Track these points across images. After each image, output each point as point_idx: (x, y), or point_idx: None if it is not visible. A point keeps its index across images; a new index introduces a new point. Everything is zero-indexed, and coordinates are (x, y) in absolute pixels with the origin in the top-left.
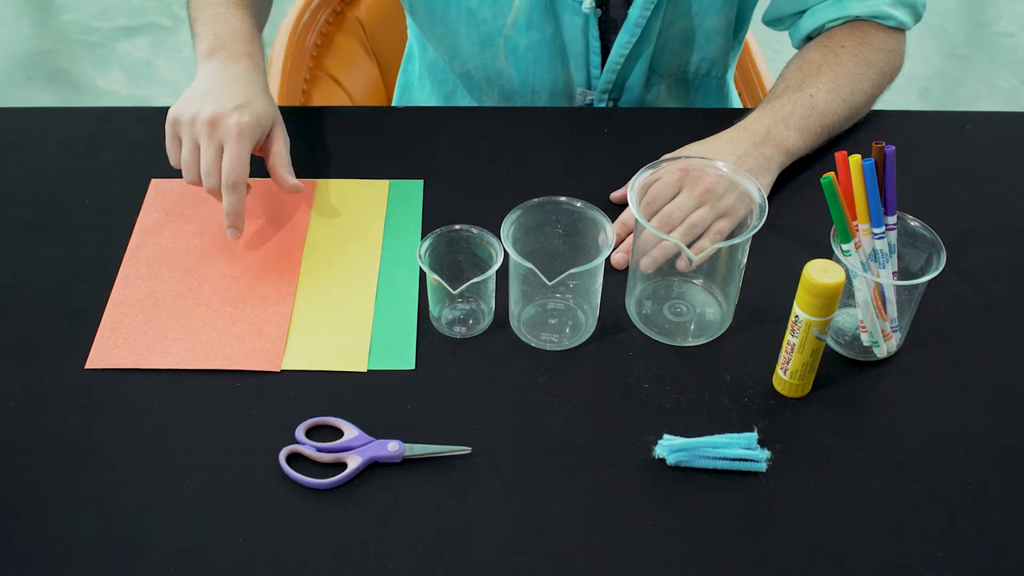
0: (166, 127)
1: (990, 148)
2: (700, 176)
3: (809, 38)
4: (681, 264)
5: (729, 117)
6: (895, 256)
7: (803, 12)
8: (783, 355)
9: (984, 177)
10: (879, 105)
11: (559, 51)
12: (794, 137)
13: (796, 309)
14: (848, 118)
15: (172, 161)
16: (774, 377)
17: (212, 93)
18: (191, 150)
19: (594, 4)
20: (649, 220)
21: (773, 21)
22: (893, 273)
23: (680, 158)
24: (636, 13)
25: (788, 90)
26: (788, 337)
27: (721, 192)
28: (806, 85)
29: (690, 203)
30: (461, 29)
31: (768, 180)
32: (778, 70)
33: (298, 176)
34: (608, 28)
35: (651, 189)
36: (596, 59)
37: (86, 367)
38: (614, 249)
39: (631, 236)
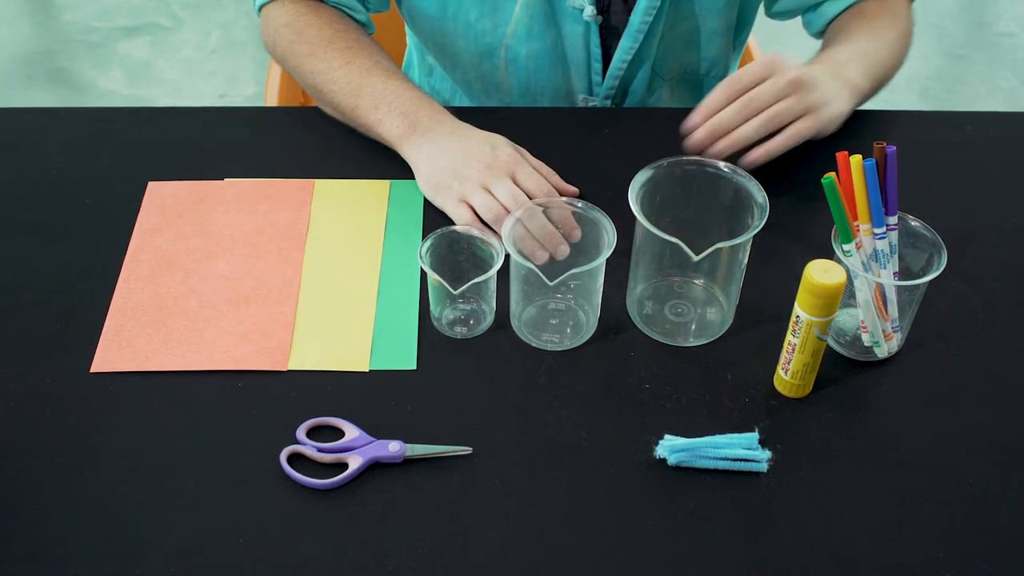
0: (448, 204)
1: (990, 148)
2: (791, 67)
3: (828, 24)
4: (753, 156)
5: None
6: (896, 256)
7: (820, 4)
8: (784, 355)
9: (984, 177)
10: (879, 105)
11: (560, 59)
12: (858, 77)
13: (797, 309)
14: (887, 76)
15: (466, 217)
16: (775, 377)
17: (458, 153)
18: (487, 196)
19: (595, 11)
20: (730, 103)
21: (781, 13)
22: (894, 273)
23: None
24: (638, 19)
25: (837, 44)
26: (789, 337)
27: (812, 85)
28: (853, 40)
29: (775, 91)
30: (459, 41)
31: (845, 109)
32: None
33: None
34: (609, 35)
35: (737, 73)
36: (598, 66)
37: (91, 371)
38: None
39: (716, 118)
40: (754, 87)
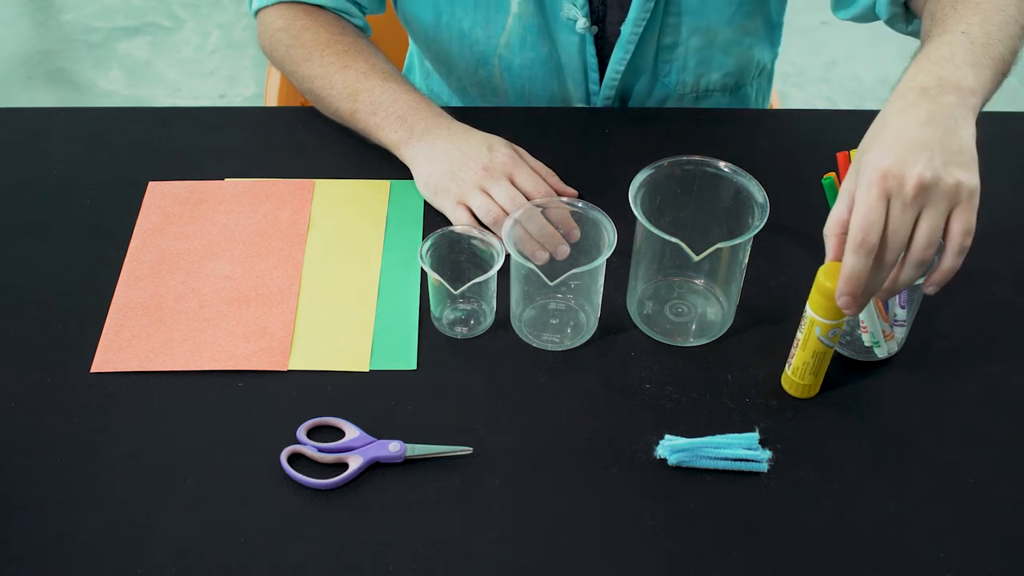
0: (446, 206)
1: (990, 148)
2: (903, 175)
3: (906, 6)
4: (930, 290)
5: (731, 116)
6: None
7: None
8: (791, 351)
9: (984, 177)
10: (880, 104)
11: (555, 69)
12: (968, 74)
13: (806, 305)
14: (1011, 50)
15: (464, 219)
16: (782, 376)
17: (455, 156)
18: (485, 198)
19: (589, 23)
20: (867, 253)
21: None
22: None
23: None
24: (628, 30)
25: (934, 38)
26: (797, 332)
27: (934, 165)
28: (950, 26)
29: (907, 218)
30: (454, 48)
31: (969, 132)
32: (779, 70)
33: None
34: (605, 45)
35: (859, 223)
36: (594, 76)
37: (92, 371)
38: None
39: (867, 288)
40: (882, 226)
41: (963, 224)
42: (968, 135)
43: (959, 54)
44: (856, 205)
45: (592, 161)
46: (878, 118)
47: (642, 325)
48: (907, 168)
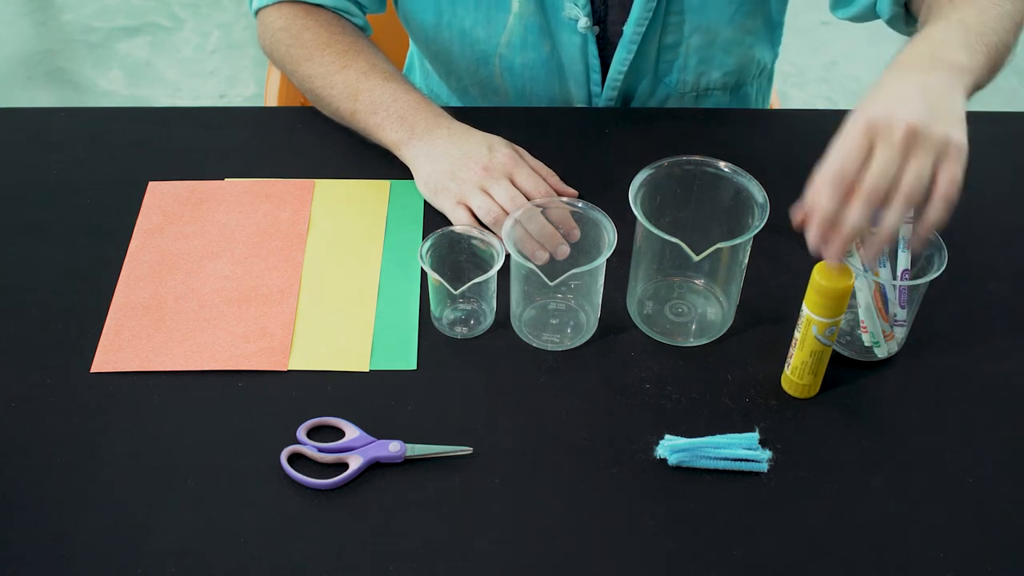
0: (446, 206)
1: (990, 148)
2: (892, 119)
3: (907, 8)
4: (917, 245)
5: (731, 116)
6: (908, 253)
7: None
8: (790, 350)
9: (984, 177)
10: None
11: (557, 69)
12: (962, 55)
13: (803, 304)
14: (1005, 42)
15: (464, 219)
16: (782, 376)
17: (455, 156)
18: (485, 198)
19: (590, 23)
20: (840, 200)
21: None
22: (905, 271)
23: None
24: (631, 30)
25: (932, 24)
26: (795, 332)
27: (924, 117)
28: (946, 14)
29: (894, 161)
30: (455, 48)
31: (961, 102)
32: (779, 69)
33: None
34: (607, 45)
35: (836, 158)
36: (596, 76)
37: (92, 371)
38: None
39: (845, 228)
40: (860, 165)
41: (950, 174)
42: (959, 105)
43: (953, 38)
44: (837, 145)
45: (592, 161)
46: (876, 85)
47: (642, 325)
48: (897, 114)
